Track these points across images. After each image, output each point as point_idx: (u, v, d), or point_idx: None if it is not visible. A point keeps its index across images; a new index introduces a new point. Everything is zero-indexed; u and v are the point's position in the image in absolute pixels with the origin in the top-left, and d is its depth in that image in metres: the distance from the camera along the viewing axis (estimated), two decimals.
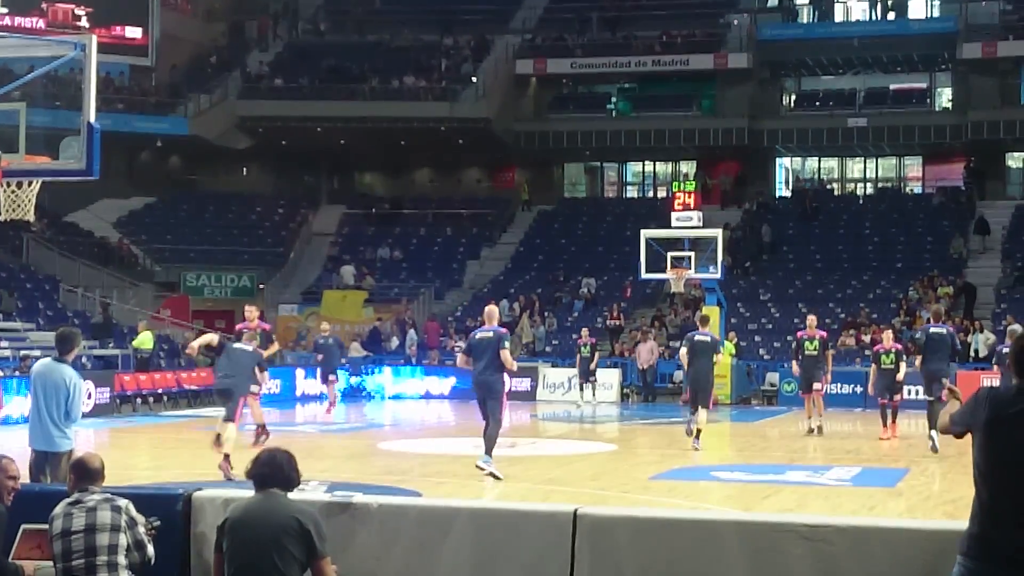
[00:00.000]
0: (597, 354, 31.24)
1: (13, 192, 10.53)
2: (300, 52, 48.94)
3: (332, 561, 6.69)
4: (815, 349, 22.16)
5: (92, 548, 6.71)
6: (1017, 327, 32.03)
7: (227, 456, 15.21)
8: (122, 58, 44.34)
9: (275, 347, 20.99)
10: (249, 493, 6.82)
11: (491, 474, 14.74)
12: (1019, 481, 5.36)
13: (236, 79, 47.00)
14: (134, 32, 45.84)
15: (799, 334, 23.10)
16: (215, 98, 45.67)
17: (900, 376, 21.25)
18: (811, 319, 23.42)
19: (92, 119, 9.78)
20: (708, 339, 19.30)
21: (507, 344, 15.16)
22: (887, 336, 21.94)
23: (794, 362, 22.80)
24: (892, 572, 6.19)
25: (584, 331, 31.45)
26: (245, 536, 6.57)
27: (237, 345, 16.54)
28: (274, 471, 6.73)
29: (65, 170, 10.38)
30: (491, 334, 15.22)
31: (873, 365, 21.60)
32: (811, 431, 22.05)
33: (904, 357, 21.25)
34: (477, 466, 14.86)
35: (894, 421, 21.44)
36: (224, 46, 50.26)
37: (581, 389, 30.82)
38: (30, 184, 10.56)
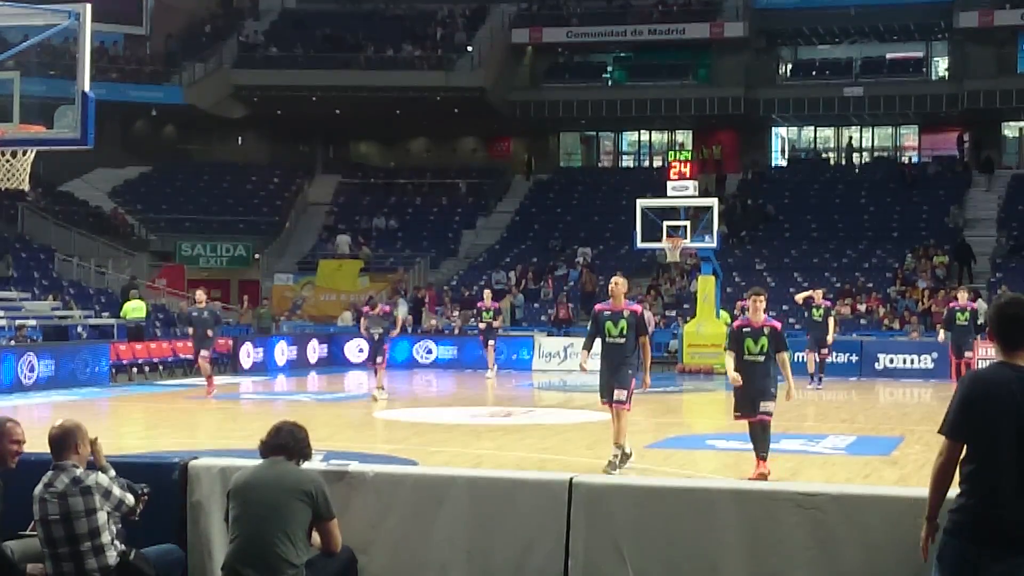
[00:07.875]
0: (500, 320, 29.26)
1: (8, 161, 10.50)
2: (295, 21, 48.74)
3: None
4: (621, 334, 13.29)
5: (73, 537, 6.60)
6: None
7: None
8: (117, 27, 44.17)
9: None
10: (245, 460, 6.83)
11: None
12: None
13: (231, 48, 46.82)
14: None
15: (596, 307, 13.95)
16: (210, 67, 45.52)
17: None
18: (616, 282, 13.52)
19: (87, 88, 9.73)
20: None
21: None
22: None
23: (583, 351, 13.91)
24: (886, 540, 6.20)
25: (487, 294, 28.88)
26: (251, 499, 6.62)
27: None
28: (287, 443, 6.81)
29: (60, 139, 10.34)
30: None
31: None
32: (621, 457, 13.33)
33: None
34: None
35: (761, 453, 12.77)
36: (219, 15, 50.05)
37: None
38: (25, 153, 10.52)
